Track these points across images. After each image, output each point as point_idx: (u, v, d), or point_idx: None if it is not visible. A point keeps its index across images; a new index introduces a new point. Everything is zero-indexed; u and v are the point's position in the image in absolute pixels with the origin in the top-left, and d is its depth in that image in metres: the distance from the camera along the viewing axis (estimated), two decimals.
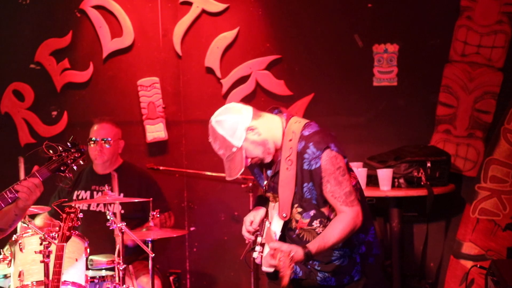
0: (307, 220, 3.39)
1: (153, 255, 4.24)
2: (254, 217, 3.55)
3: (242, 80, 5.54)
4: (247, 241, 3.67)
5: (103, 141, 4.92)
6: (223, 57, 5.57)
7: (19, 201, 3.26)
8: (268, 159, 3.40)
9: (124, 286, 4.13)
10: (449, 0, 5.23)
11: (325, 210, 3.38)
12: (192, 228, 5.72)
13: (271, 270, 3.34)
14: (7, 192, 3.26)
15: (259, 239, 3.55)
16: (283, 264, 3.10)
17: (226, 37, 5.55)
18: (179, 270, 5.72)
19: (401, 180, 4.89)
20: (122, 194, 4.84)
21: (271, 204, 3.56)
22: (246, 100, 5.54)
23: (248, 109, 3.37)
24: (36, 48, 5.84)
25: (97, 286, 4.31)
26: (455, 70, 5.22)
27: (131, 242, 4.67)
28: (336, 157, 3.28)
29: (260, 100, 5.53)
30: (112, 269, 4.36)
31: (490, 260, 4.56)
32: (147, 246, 4.28)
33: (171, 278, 5.44)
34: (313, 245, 3.24)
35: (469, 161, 5.21)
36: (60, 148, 3.31)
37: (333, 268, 3.44)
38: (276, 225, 3.42)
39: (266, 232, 3.46)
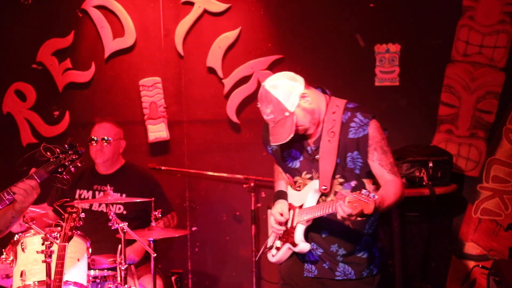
0: (347, 191, 3.41)
1: (155, 255, 4.24)
2: (281, 209, 3.58)
3: (244, 80, 5.54)
4: (269, 236, 3.67)
5: (103, 141, 4.91)
6: (225, 57, 5.58)
7: (16, 203, 3.26)
8: (311, 130, 3.45)
9: (126, 286, 4.13)
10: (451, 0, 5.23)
11: (367, 181, 3.46)
12: (194, 228, 5.72)
13: (308, 247, 3.42)
14: (5, 193, 3.25)
15: (280, 233, 3.56)
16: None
17: (228, 37, 5.55)
18: (181, 270, 5.72)
19: (403, 180, 4.89)
20: (124, 195, 4.84)
21: (294, 193, 3.57)
22: (248, 100, 5.54)
23: (301, 78, 3.43)
24: (38, 48, 5.85)
25: (99, 286, 4.30)
26: (457, 70, 5.21)
27: (137, 258, 4.69)
28: (380, 127, 3.43)
29: None
30: (114, 269, 4.36)
31: (492, 260, 4.57)
32: (149, 246, 4.28)
33: (173, 278, 5.44)
34: (379, 193, 3.23)
35: (471, 161, 5.20)
36: (58, 150, 3.31)
37: (355, 260, 3.49)
38: (311, 201, 3.46)
39: (297, 215, 3.48)
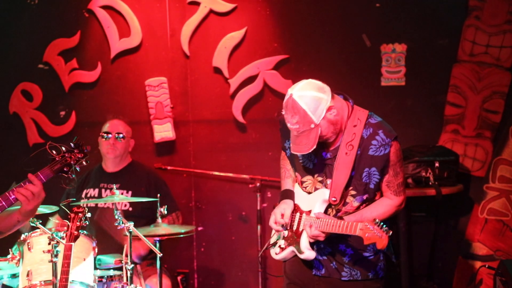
0: (357, 204, 3.47)
1: (161, 254, 4.24)
2: (284, 209, 3.58)
3: (250, 80, 5.54)
4: (272, 235, 3.69)
5: (116, 136, 4.95)
6: (231, 57, 5.58)
7: (21, 207, 3.24)
8: (331, 139, 3.46)
9: (132, 285, 4.14)
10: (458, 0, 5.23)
11: (377, 195, 3.51)
12: (200, 228, 5.72)
13: (313, 255, 3.45)
14: (10, 192, 3.23)
15: (285, 233, 3.57)
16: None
17: (233, 37, 5.55)
18: (187, 269, 5.72)
19: (409, 180, 4.89)
20: (130, 193, 4.86)
21: (302, 194, 3.58)
22: (254, 100, 5.54)
23: (328, 88, 3.41)
24: (45, 48, 5.86)
25: (105, 285, 4.31)
26: (464, 70, 5.20)
27: (144, 251, 4.69)
28: (400, 149, 3.46)
29: (268, 100, 5.53)
30: (120, 268, 4.37)
31: (499, 260, 4.55)
32: (155, 246, 4.28)
33: (179, 277, 5.45)
34: (350, 218, 3.37)
35: (477, 161, 5.19)
36: (63, 149, 3.30)
37: (361, 262, 3.51)
38: (318, 210, 3.47)
39: (304, 221, 3.49)
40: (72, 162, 3.29)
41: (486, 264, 4.78)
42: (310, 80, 3.44)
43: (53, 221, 4.90)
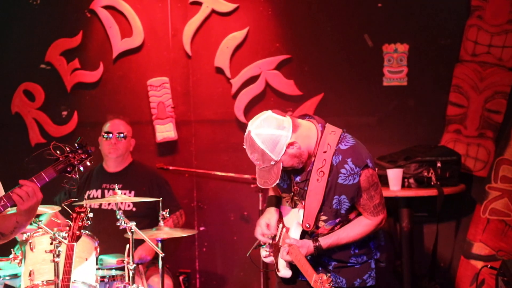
0: (330, 227, 3.43)
1: (163, 254, 4.24)
2: (269, 220, 3.57)
3: (252, 80, 5.54)
4: (261, 243, 3.68)
5: (118, 136, 4.96)
6: (233, 57, 5.58)
7: (17, 206, 3.23)
8: (299, 167, 3.37)
9: (134, 285, 4.14)
10: None
11: (351, 215, 3.45)
12: (201, 228, 5.72)
13: (289, 274, 3.44)
14: (2, 198, 3.22)
15: (270, 241, 3.58)
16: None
17: (235, 37, 5.56)
18: (188, 269, 5.72)
19: (411, 180, 4.88)
20: (133, 193, 4.86)
21: (286, 207, 3.57)
22: (256, 100, 5.54)
23: (288, 122, 3.29)
24: (47, 48, 5.87)
25: (107, 285, 4.31)
26: (466, 70, 5.20)
27: (149, 257, 4.70)
28: (372, 174, 3.34)
29: (270, 100, 5.53)
30: (122, 268, 4.37)
31: (501, 260, 4.54)
32: (157, 246, 4.28)
33: (180, 277, 5.45)
34: (325, 241, 3.36)
35: (479, 161, 5.19)
36: (67, 149, 3.30)
37: (346, 270, 3.48)
38: (294, 232, 3.45)
39: (283, 238, 3.49)
40: (75, 163, 3.29)
41: (488, 264, 4.77)
42: (269, 114, 3.34)
43: (48, 215, 4.87)
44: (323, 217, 3.40)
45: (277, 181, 3.30)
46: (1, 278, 4.31)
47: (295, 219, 3.47)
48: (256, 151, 3.27)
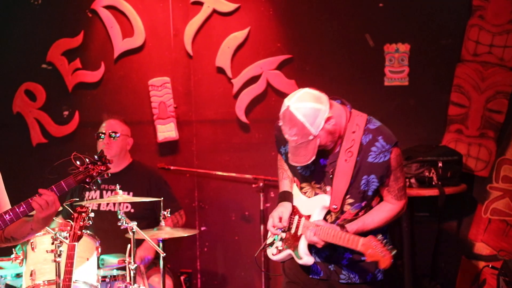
0: (355, 211, 3.45)
1: (164, 254, 4.24)
2: (282, 213, 3.56)
3: (253, 80, 5.54)
4: (269, 236, 3.68)
5: (111, 136, 4.96)
6: (234, 57, 5.58)
7: (35, 215, 3.28)
8: (330, 147, 3.42)
9: (135, 285, 4.14)
10: None
11: (374, 202, 3.49)
12: (203, 228, 5.72)
13: (311, 261, 3.43)
14: (20, 205, 3.26)
15: (283, 235, 3.56)
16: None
17: (237, 37, 5.56)
18: (190, 269, 5.73)
19: (413, 180, 4.88)
20: (131, 193, 4.85)
21: (302, 198, 3.55)
22: (257, 100, 5.54)
23: (325, 98, 3.36)
24: (48, 48, 5.87)
25: (109, 285, 4.32)
26: (467, 70, 5.19)
27: (150, 256, 4.70)
28: (400, 154, 3.42)
29: (271, 100, 5.53)
30: (123, 268, 4.37)
31: (502, 260, 4.55)
32: (158, 246, 4.28)
33: (182, 277, 5.46)
34: (352, 227, 3.37)
35: (481, 161, 5.18)
36: (88, 160, 3.35)
37: (359, 265, 3.50)
38: (317, 218, 3.45)
39: (302, 226, 3.47)
40: (94, 174, 3.35)
41: (489, 264, 4.77)
42: (306, 90, 3.38)
43: (57, 221, 4.91)
44: (350, 200, 3.42)
45: (313, 158, 3.31)
46: (3, 278, 4.31)
47: (316, 207, 3.47)
48: (296, 125, 3.28)
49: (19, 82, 5.94)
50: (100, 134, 4.99)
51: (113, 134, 4.96)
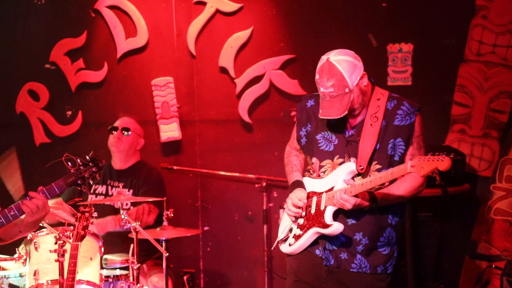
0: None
1: (167, 254, 4.24)
2: (299, 194, 3.57)
3: (256, 79, 5.54)
4: (282, 230, 3.67)
5: (123, 131, 5.02)
6: (237, 57, 5.58)
7: (24, 218, 3.28)
8: (357, 112, 3.49)
9: (138, 285, 4.14)
10: None
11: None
12: (206, 228, 5.72)
13: (341, 227, 3.41)
14: (10, 209, 3.25)
15: (300, 221, 3.55)
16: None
17: (240, 36, 5.56)
18: (192, 269, 5.73)
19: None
20: (131, 191, 4.88)
21: (315, 181, 3.57)
22: (260, 100, 5.54)
23: (360, 59, 3.48)
24: (51, 48, 5.87)
25: (112, 285, 4.32)
26: (470, 70, 5.19)
27: (120, 227, 4.65)
28: (422, 122, 3.52)
29: (274, 100, 5.53)
30: (127, 268, 4.37)
31: (506, 260, 4.54)
32: (161, 246, 4.28)
33: (185, 277, 5.45)
34: (378, 193, 3.41)
35: (484, 161, 5.18)
36: (79, 162, 3.35)
37: (374, 254, 3.51)
38: (342, 184, 3.45)
39: (325, 199, 3.47)
40: (86, 175, 3.34)
41: (492, 264, 4.77)
42: (343, 49, 3.48)
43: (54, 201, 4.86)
44: (377, 166, 3.46)
45: (345, 113, 3.38)
46: (6, 278, 4.32)
47: (341, 175, 3.47)
48: (335, 75, 3.37)
49: (22, 82, 5.94)
50: (114, 128, 5.05)
51: (125, 130, 5.01)
